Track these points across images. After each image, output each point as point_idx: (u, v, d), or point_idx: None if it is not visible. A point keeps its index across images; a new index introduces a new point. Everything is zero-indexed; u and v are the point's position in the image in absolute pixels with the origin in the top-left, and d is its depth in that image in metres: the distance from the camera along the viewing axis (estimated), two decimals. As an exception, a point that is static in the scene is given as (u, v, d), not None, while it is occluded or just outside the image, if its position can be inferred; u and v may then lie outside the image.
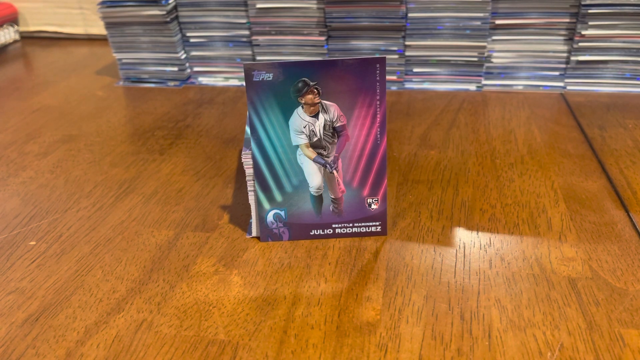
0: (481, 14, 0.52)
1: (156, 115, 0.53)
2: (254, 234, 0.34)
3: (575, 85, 0.54)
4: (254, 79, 0.31)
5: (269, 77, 0.31)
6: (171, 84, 0.62)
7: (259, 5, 0.56)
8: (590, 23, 0.51)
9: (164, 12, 0.57)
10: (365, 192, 0.33)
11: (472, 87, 0.56)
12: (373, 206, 0.33)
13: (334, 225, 0.33)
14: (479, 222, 0.34)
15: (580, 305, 0.27)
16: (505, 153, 0.43)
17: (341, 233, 0.33)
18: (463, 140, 0.45)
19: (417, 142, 0.45)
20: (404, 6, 0.53)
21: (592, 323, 0.26)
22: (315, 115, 0.32)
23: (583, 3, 0.50)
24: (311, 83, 0.31)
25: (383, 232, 0.33)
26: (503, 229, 0.33)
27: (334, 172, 0.32)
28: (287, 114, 0.32)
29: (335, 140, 0.32)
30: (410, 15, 0.54)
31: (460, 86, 0.56)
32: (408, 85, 0.57)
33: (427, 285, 0.29)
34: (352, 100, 0.32)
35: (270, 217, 0.33)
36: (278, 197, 0.33)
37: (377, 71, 0.31)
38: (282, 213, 0.33)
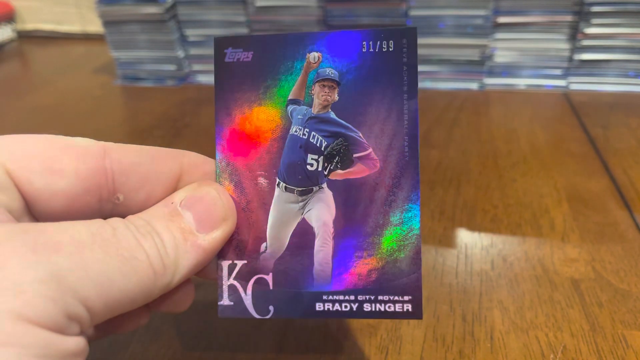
0: (483, 12, 0.52)
1: (154, 114, 0.53)
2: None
3: (578, 84, 0.54)
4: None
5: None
6: (169, 82, 0.61)
7: (258, 4, 0.56)
8: (593, 21, 0.50)
9: (162, 10, 0.57)
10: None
11: (474, 85, 0.56)
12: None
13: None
14: (480, 223, 0.34)
15: (583, 306, 0.27)
16: (507, 153, 0.42)
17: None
18: (465, 139, 0.45)
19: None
20: (405, 4, 0.53)
21: (595, 325, 0.26)
22: None
23: (586, 1, 0.50)
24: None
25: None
26: (505, 230, 0.33)
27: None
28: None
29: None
30: (411, 13, 0.53)
31: (462, 85, 0.56)
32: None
33: (428, 287, 0.29)
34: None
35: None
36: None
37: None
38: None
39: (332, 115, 0.20)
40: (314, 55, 0.20)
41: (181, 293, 0.20)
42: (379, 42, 0.20)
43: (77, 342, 0.14)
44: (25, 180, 0.18)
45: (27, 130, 0.54)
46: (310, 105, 0.21)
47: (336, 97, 0.20)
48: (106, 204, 0.20)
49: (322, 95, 0.20)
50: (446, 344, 0.25)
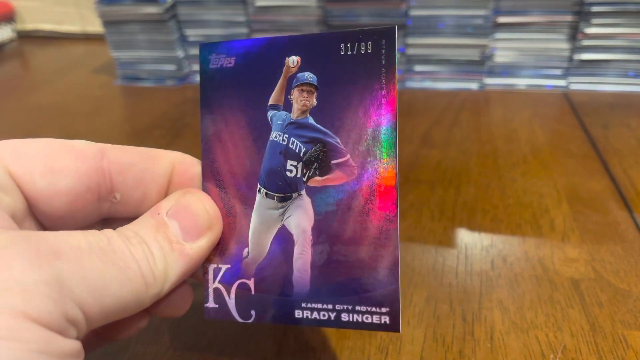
0: (483, 12, 0.52)
1: (154, 114, 0.53)
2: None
3: (578, 84, 0.54)
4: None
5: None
6: (169, 82, 0.61)
7: (258, 4, 0.56)
8: (593, 21, 0.50)
9: (162, 10, 0.57)
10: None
11: (474, 85, 0.56)
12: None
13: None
14: (480, 223, 0.34)
15: (583, 306, 0.27)
16: (507, 153, 0.42)
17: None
18: (465, 139, 0.45)
19: (418, 141, 0.45)
20: (405, 4, 0.53)
21: (595, 325, 0.26)
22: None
23: (586, 1, 0.50)
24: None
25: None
26: (505, 230, 0.33)
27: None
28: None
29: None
30: (411, 13, 0.53)
31: (462, 85, 0.56)
32: (409, 84, 0.57)
33: (428, 287, 0.29)
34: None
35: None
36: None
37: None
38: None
39: (311, 120, 0.20)
40: (292, 59, 0.20)
41: (179, 298, 0.21)
42: (357, 44, 0.19)
43: (74, 345, 0.15)
44: (27, 181, 0.18)
45: (27, 130, 0.54)
46: (289, 110, 0.20)
47: (315, 102, 0.20)
48: (104, 203, 0.20)
49: (301, 100, 0.20)
50: (446, 344, 0.25)
